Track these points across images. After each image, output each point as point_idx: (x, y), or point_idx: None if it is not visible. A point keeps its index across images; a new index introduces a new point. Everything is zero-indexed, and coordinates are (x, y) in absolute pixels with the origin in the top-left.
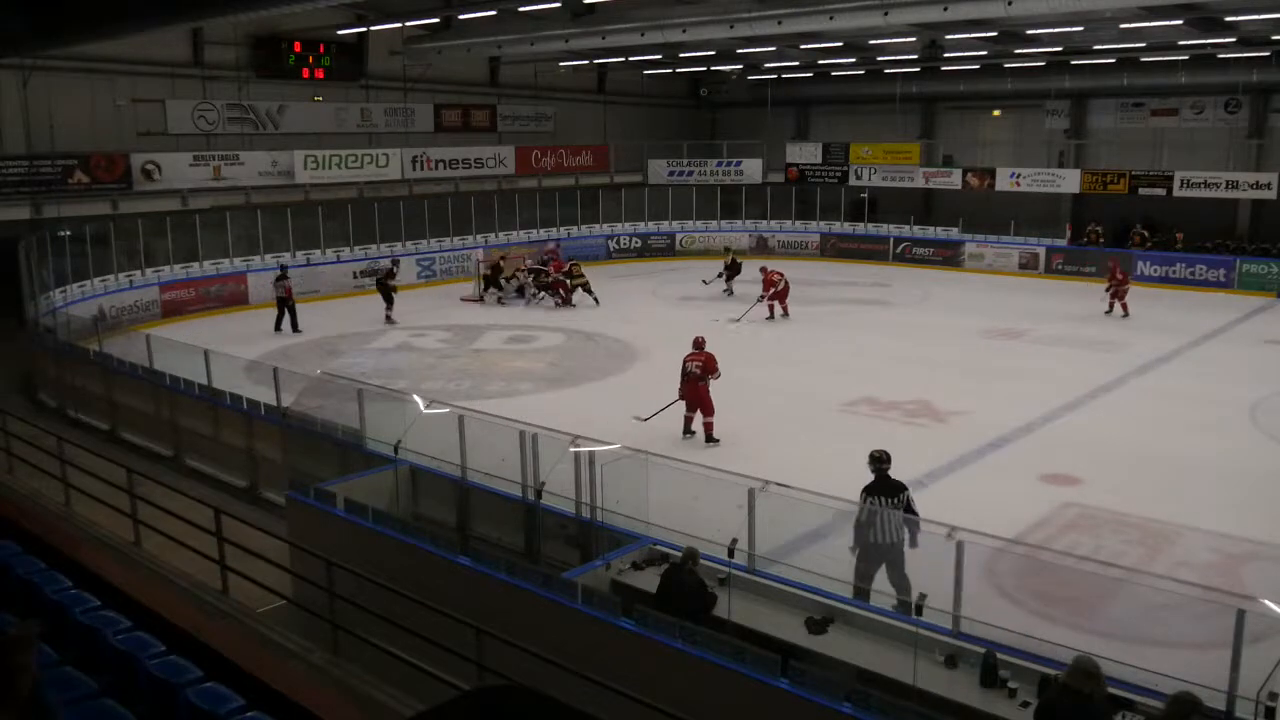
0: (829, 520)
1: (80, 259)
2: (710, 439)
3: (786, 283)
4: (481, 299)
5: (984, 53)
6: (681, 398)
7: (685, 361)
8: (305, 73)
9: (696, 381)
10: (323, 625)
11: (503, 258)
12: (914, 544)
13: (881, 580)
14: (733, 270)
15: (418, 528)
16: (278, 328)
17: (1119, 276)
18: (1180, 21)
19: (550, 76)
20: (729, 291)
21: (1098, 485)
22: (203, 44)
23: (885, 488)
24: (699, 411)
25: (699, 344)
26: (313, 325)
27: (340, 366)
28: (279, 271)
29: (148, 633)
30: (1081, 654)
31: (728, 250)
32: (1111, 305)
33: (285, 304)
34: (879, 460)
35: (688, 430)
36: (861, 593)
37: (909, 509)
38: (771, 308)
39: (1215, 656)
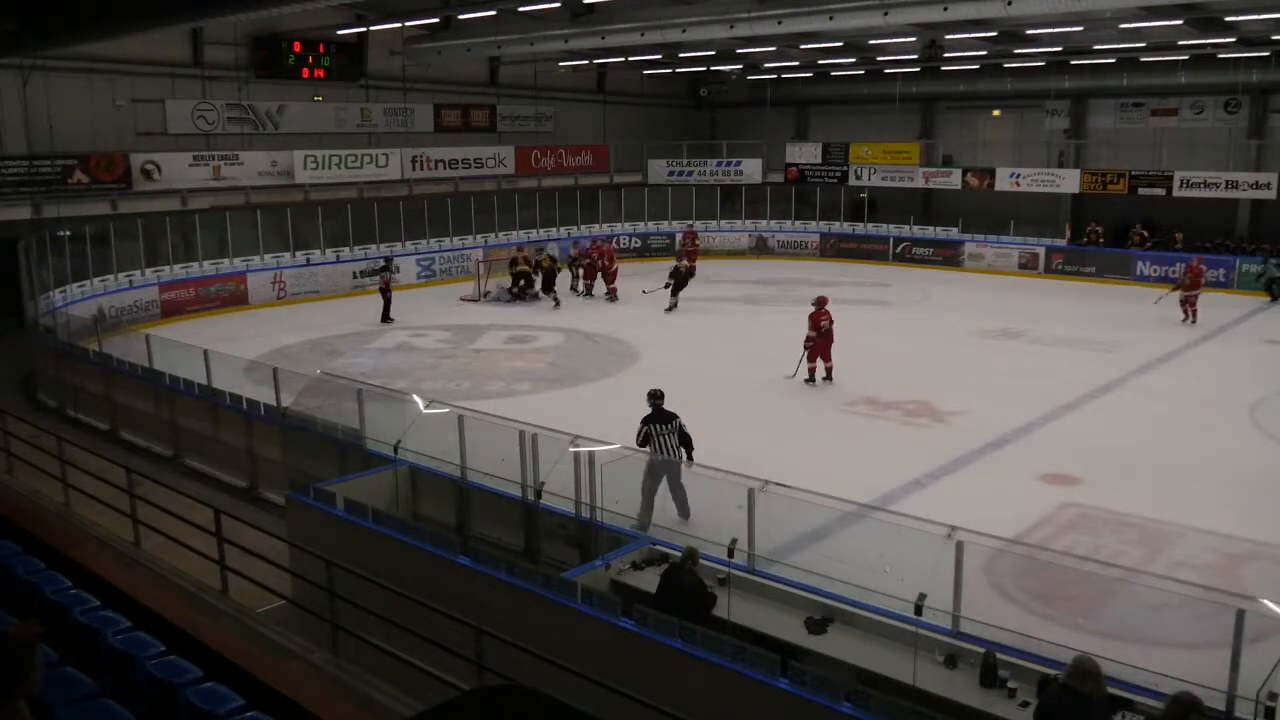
0: (829, 520)
1: (80, 259)
2: (830, 378)
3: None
4: (479, 300)
5: (984, 53)
6: (808, 348)
7: (821, 320)
8: (305, 73)
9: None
10: (322, 625)
11: (521, 256)
12: (689, 461)
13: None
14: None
15: (417, 528)
16: (386, 317)
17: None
18: (1180, 21)
19: (550, 76)
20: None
21: (1097, 485)
22: (202, 44)
23: (661, 417)
24: (822, 359)
25: (825, 302)
26: (312, 325)
27: (340, 366)
28: (383, 262)
29: (147, 633)
30: (1081, 654)
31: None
32: (1192, 312)
33: (384, 294)
34: (655, 397)
35: (812, 378)
36: (644, 525)
37: (682, 433)
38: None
39: (1215, 656)
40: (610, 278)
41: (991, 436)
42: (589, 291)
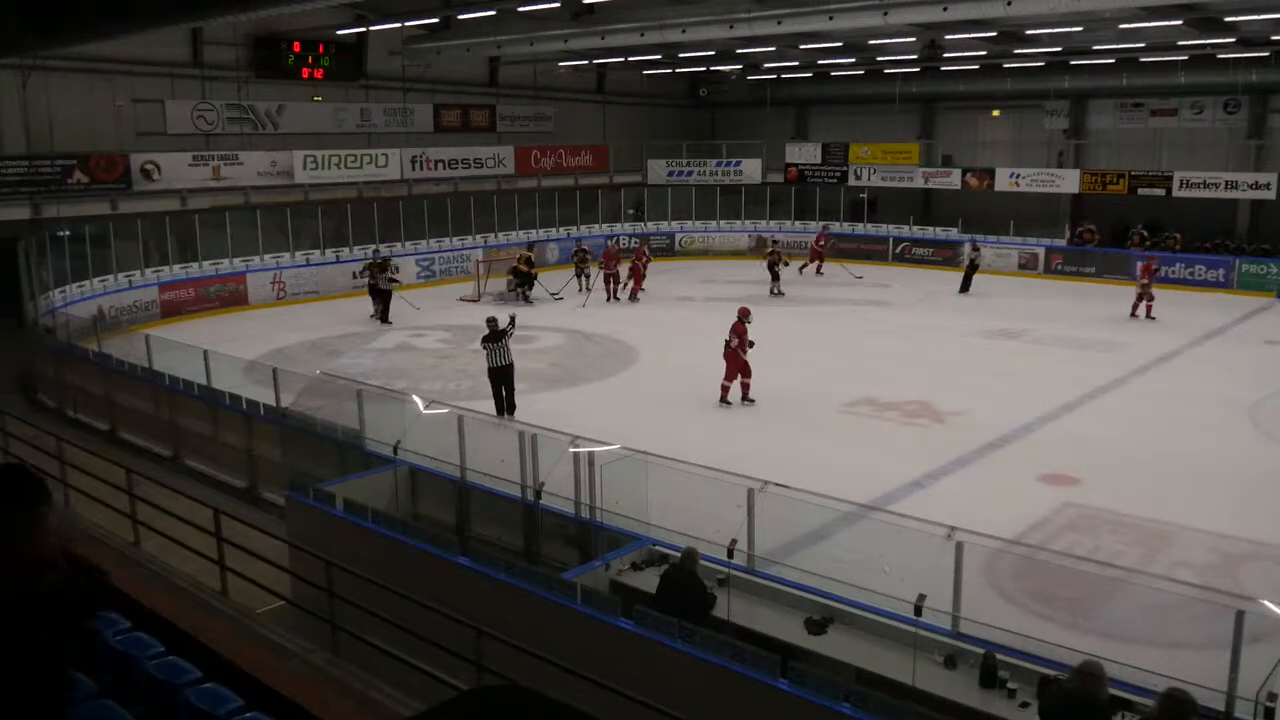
0: (829, 520)
1: (79, 259)
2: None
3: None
4: (478, 299)
5: (983, 53)
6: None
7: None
8: (305, 73)
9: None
10: (322, 625)
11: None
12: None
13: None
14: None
15: (417, 528)
16: (385, 319)
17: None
18: (1180, 22)
19: (550, 76)
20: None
21: (1097, 485)
22: (202, 44)
23: (494, 337)
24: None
25: (747, 314)
26: (312, 325)
27: (340, 366)
28: (381, 261)
29: (147, 633)
30: (1088, 657)
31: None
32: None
33: (384, 294)
34: (490, 323)
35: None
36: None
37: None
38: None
39: (1215, 656)
40: (636, 278)
41: (991, 436)
42: (634, 295)
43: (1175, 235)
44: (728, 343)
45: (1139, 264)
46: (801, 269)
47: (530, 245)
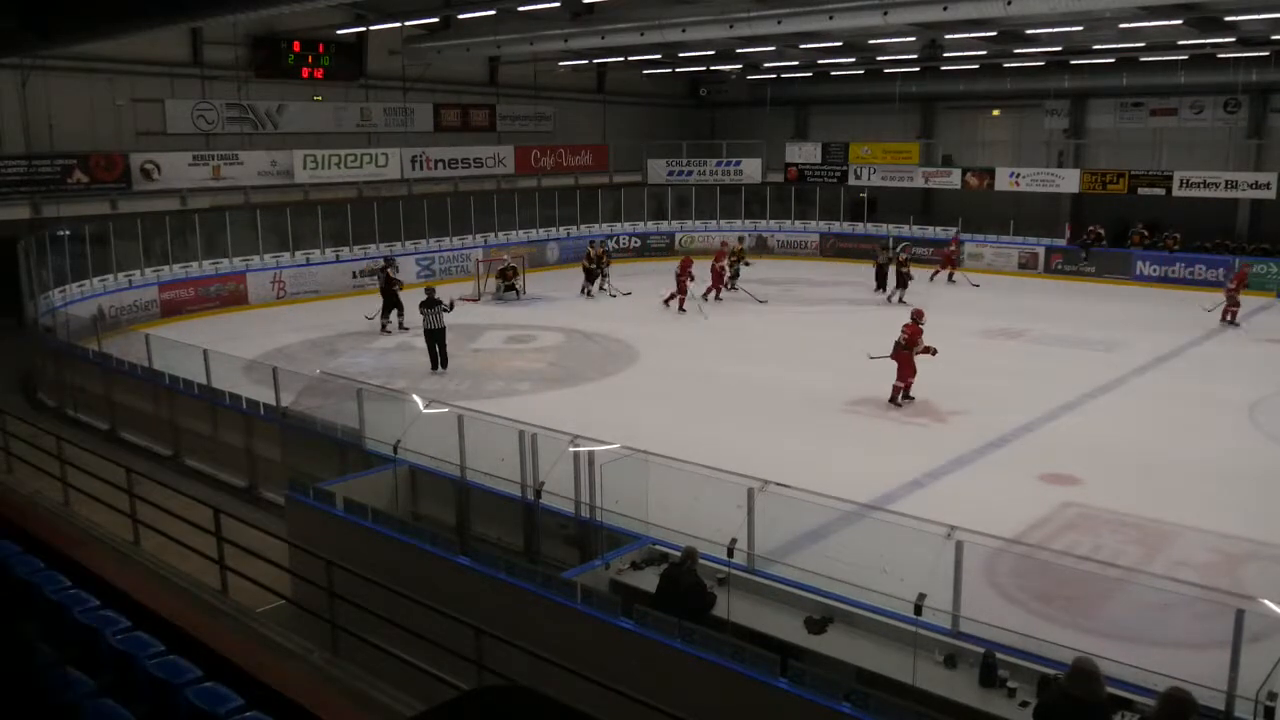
0: (829, 520)
1: (79, 259)
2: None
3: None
4: (478, 299)
5: (983, 52)
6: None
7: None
8: (305, 72)
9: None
10: (322, 625)
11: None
12: (449, 308)
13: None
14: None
15: (417, 528)
16: (385, 318)
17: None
18: (1180, 21)
19: (549, 76)
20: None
21: (1097, 485)
22: (202, 44)
23: (430, 304)
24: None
25: (921, 315)
26: (312, 325)
27: (339, 366)
28: (382, 262)
29: (147, 632)
30: (1081, 655)
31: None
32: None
33: (384, 294)
34: (428, 291)
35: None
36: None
37: (443, 312)
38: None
39: (1215, 656)
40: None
41: (991, 436)
42: (717, 295)
43: (1175, 235)
44: (897, 343)
45: (1234, 268)
46: (933, 276)
47: (593, 242)
